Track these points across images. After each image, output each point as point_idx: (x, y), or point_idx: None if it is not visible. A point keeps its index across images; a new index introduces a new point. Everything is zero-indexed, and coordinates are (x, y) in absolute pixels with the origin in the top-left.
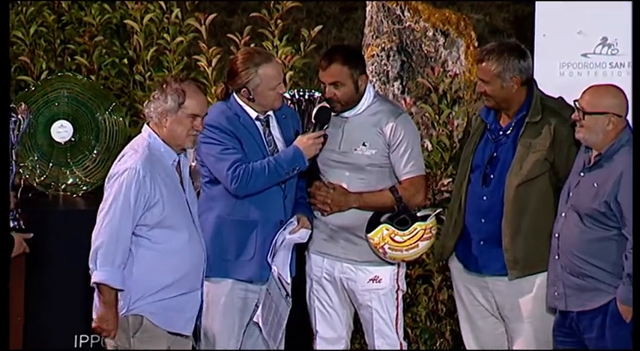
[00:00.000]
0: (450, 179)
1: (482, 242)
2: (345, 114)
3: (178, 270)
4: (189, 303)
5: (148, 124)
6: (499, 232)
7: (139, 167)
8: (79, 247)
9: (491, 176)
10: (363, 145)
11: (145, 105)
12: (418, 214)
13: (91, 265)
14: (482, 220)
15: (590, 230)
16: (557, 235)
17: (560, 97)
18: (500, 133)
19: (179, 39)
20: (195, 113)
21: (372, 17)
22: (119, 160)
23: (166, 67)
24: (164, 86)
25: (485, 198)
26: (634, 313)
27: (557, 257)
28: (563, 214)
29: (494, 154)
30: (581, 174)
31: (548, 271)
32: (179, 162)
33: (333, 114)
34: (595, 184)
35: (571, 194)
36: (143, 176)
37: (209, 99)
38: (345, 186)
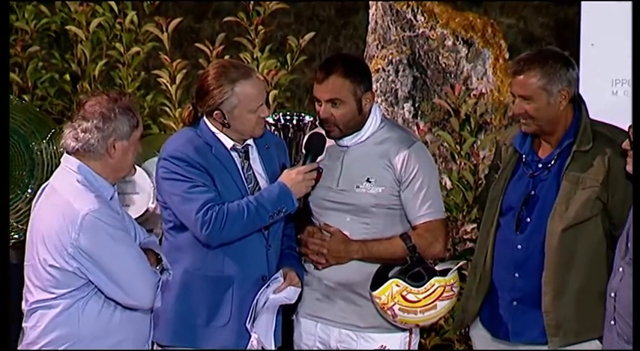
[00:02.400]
0: (475, 225)
1: (515, 302)
2: (345, 141)
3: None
4: None
5: (68, 153)
6: (537, 290)
7: (100, 207)
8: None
9: (528, 220)
10: (368, 181)
11: (67, 136)
12: (436, 268)
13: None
14: (516, 275)
15: None
16: (612, 294)
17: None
18: (540, 165)
19: (135, 49)
20: (142, 133)
21: (376, 22)
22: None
23: (119, 85)
24: (103, 110)
25: (519, 247)
26: (634, 312)
27: (612, 322)
28: (620, 269)
29: (532, 193)
30: None
31: (602, 340)
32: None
33: (328, 142)
34: None
35: (630, 244)
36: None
37: (172, 124)
38: (345, 232)
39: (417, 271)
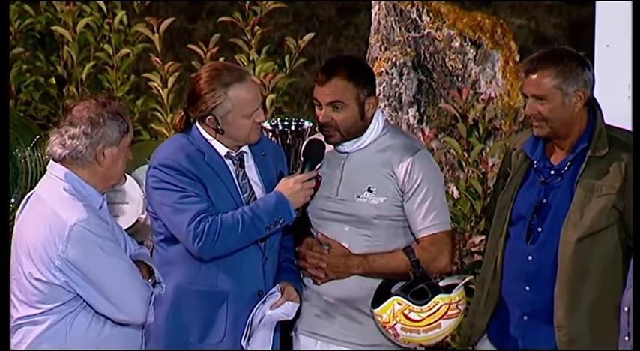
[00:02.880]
0: (483, 236)
1: (525, 317)
2: (345, 147)
3: None
4: None
5: (54, 160)
6: (549, 304)
7: (89, 216)
8: None
9: (539, 229)
10: (369, 190)
11: (54, 143)
12: (441, 284)
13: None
14: (527, 288)
15: None
16: (626, 308)
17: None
18: (552, 172)
19: (124, 51)
20: (132, 139)
21: (379, 22)
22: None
23: (107, 88)
24: (91, 115)
25: (530, 258)
26: (634, 312)
27: (627, 338)
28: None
29: (544, 201)
30: None
31: None
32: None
33: (327, 148)
34: None
35: None
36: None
37: (164, 130)
38: (345, 245)
39: (420, 288)
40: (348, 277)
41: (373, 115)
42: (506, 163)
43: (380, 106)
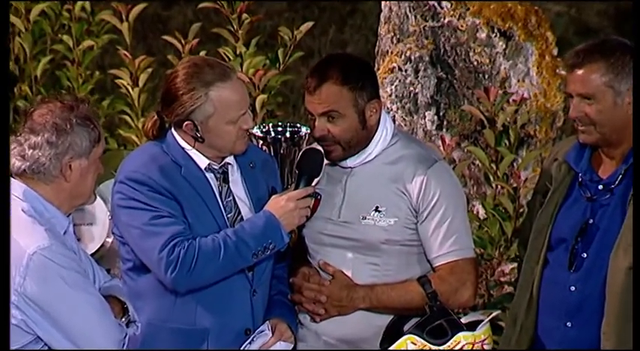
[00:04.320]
0: (515, 264)
1: None
2: (348, 162)
3: None
4: None
5: (12, 175)
6: (595, 343)
7: (52, 244)
8: None
9: (584, 255)
10: (377, 210)
11: (11, 153)
12: (462, 320)
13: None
14: (568, 324)
15: None
16: None
17: None
18: (600, 187)
19: (87, 43)
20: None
21: (391, 9)
22: None
23: (66, 88)
24: (56, 120)
25: (573, 289)
26: (634, 312)
27: None
28: None
29: (590, 221)
30: None
31: None
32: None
33: (327, 162)
34: None
35: None
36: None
37: (134, 137)
38: (348, 274)
39: (437, 324)
40: (352, 312)
41: (378, 121)
42: (545, 177)
43: (391, 109)
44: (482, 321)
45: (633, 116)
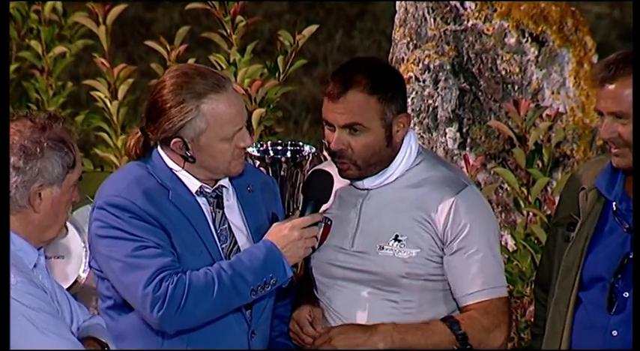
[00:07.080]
0: None
1: None
2: (365, 183)
3: None
4: None
5: None
6: None
7: (17, 282)
8: None
9: (626, 294)
10: (396, 240)
11: None
12: None
13: None
14: None
15: None
16: None
17: None
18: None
19: (59, 49)
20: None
21: (406, 10)
22: None
23: (35, 100)
24: (25, 142)
25: (615, 334)
26: (634, 312)
27: None
28: None
29: (630, 255)
30: None
31: None
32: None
33: (341, 182)
34: None
35: None
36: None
37: (112, 157)
38: (362, 316)
39: None
40: None
41: (403, 138)
42: (567, 207)
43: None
44: None
45: (633, 116)
